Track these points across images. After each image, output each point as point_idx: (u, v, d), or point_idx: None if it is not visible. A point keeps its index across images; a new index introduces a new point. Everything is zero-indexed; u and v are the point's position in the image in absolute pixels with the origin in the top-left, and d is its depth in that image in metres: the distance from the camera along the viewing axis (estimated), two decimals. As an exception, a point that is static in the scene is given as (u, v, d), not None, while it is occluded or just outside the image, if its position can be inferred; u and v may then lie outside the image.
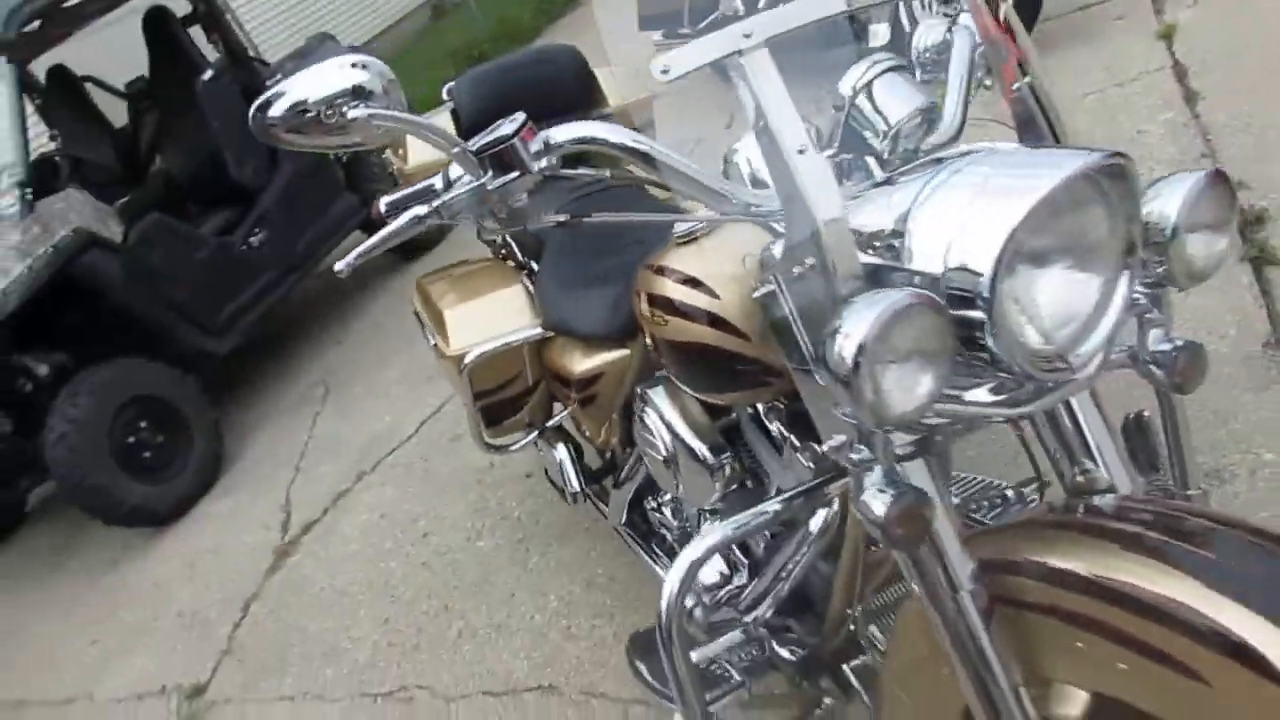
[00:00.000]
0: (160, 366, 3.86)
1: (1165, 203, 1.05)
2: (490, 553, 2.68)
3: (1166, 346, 1.12)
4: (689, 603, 1.54)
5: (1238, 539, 0.95)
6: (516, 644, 2.32)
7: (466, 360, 2.03)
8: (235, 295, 4.25)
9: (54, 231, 3.62)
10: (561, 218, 1.16)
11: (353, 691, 2.46)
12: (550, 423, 2.21)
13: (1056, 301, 1.00)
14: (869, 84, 1.13)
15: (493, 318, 2.11)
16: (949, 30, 1.26)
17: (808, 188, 0.99)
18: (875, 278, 1.00)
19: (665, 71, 1.02)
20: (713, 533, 1.18)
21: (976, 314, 0.93)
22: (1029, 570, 1.03)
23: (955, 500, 1.44)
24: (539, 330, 2.02)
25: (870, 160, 1.15)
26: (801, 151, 1.00)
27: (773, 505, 1.20)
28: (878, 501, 0.97)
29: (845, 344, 0.88)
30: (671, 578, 1.18)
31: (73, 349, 3.79)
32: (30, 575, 3.92)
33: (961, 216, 0.96)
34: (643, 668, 1.69)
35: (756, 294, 1.13)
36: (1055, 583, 1.00)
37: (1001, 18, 1.16)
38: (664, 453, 1.54)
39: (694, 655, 1.40)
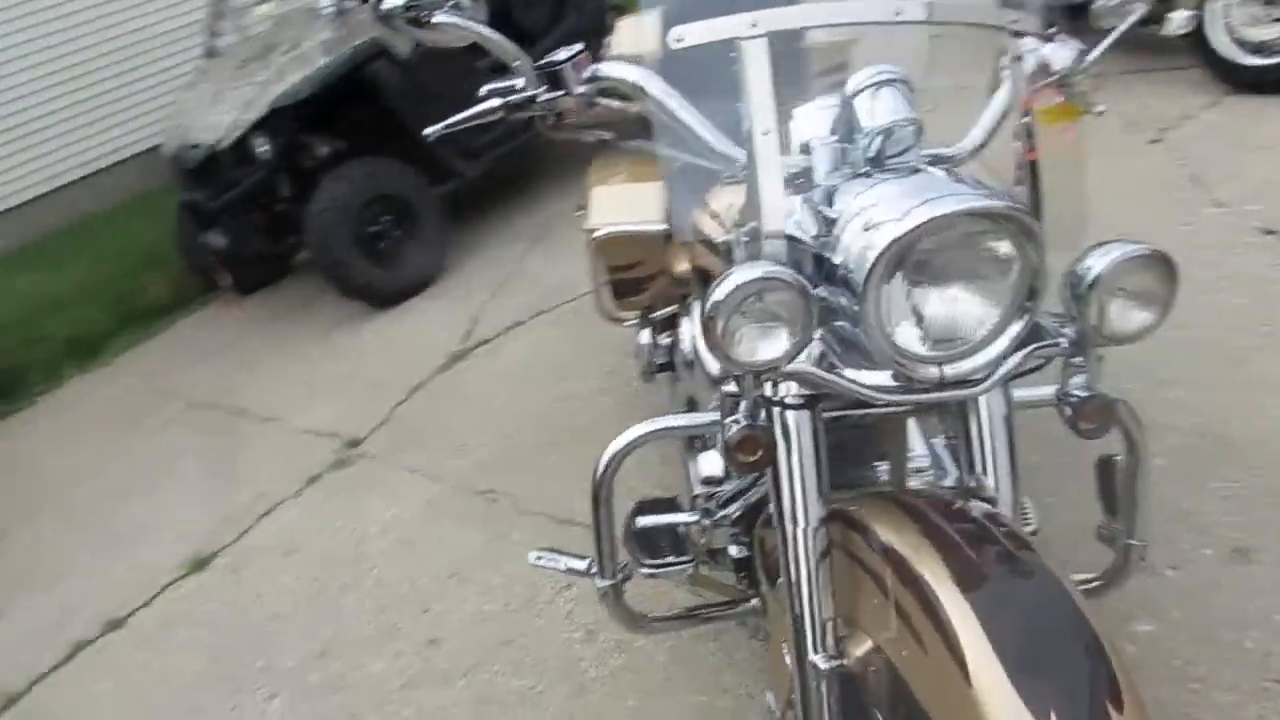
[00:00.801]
0: (413, 173, 4.42)
1: (1095, 262, 1.16)
2: (607, 408, 3.02)
3: (1081, 394, 1.23)
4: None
5: (1016, 570, 1.10)
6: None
7: (595, 235, 2.31)
8: (492, 127, 4.70)
9: (355, 37, 4.19)
10: (606, 135, 1.41)
11: (458, 482, 2.92)
12: (662, 312, 2.46)
13: (945, 317, 1.15)
14: (863, 90, 1.26)
15: (630, 204, 2.37)
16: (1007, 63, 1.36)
17: (759, 163, 1.18)
18: (791, 252, 1.19)
19: (679, 40, 1.22)
20: (643, 427, 1.44)
21: (854, 305, 1.11)
22: (862, 530, 1.22)
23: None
24: (663, 226, 2.25)
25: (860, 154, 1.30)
26: (765, 134, 1.19)
27: (703, 418, 1.43)
28: (730, 428, 1.19)
29: (711, 296, 1.09)
30: (603, 458, 1.46)
31: (348, 140, 4.41)
32: (275, 319, 4.70)
33: (869, 217, 1.12)
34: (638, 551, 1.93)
35: (720, 238, 1.34)
36: (874, 547, 1.18)
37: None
38: (688, 359, 1.79)
39: (643, 521, 1.68)
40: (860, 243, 1.10)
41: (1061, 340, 1.21)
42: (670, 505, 1.74)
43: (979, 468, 1.30)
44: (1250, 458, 2.19)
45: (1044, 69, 1.45)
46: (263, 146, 4.31)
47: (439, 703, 2.18)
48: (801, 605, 1.28)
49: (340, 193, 4.18)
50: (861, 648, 1.25)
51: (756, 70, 1.20)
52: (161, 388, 4.28)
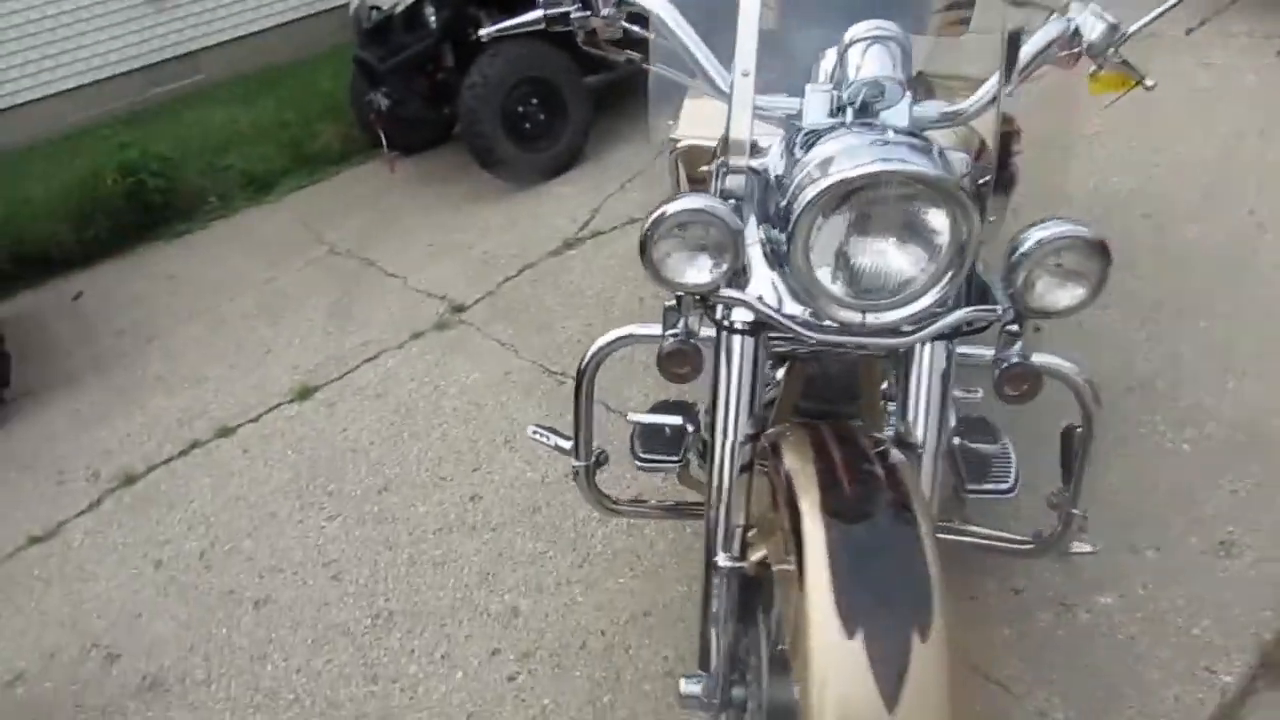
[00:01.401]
0: (565, 59, 4.54)
1: (1030, 236, 1.20)
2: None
3: (1010, 360, 1.29)
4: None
5: (879, 508, 1.19)
6: (650, 382, 2.81)
7: (678, 145, 2.41)
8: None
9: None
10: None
11: (536, 359, 3.14)
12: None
13: (872, 268, 1.23)
14: (856, 42, 1.31)
15: (715, 120, 2.44)
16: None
17: (734, 102, 1.27)
18: (748, 185, 1.28)
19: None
20: (615, 333, 1.59)
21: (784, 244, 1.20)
22: (775, 453, 1.33)
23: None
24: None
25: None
26: (744, 74, 1.28)
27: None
28: (665, 341, 1.31)
29: (646, 221, 1.21)
30: (585, 356, 1.61)
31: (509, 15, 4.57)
32: (423, 183, 4.98)
33: (814, 168, 1.20)
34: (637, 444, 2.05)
35: (707, 166, 1.43)
36: (778, 469, 1.29)
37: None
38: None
39: (641, 417, 1.82)
40: (797, 189, 1.19)
41: (999, 308, 1.26)
42: (682, 409, 1.86)
43: (910, 415, 1.38)
44: (1277, 458, 2.13)
45: (1074, 38, 1.44)
46: (431, 15, 4.54)
47: (464, 550, 2.42)
48: (717, 510, 1.41)
49: (493, 70, 4.35)
50: (758, 555, 1.37)
51: (747, 12, 1.28)
52: (313, 230, 4.66)
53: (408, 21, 4.66)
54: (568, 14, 1.50)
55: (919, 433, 1.37)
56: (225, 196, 5.30)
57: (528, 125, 4.50)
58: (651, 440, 1.90)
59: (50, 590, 2.63)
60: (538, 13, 1.56)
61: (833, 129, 1.27)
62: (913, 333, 1.27)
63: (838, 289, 1.23)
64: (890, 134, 1.22)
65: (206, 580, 2.54)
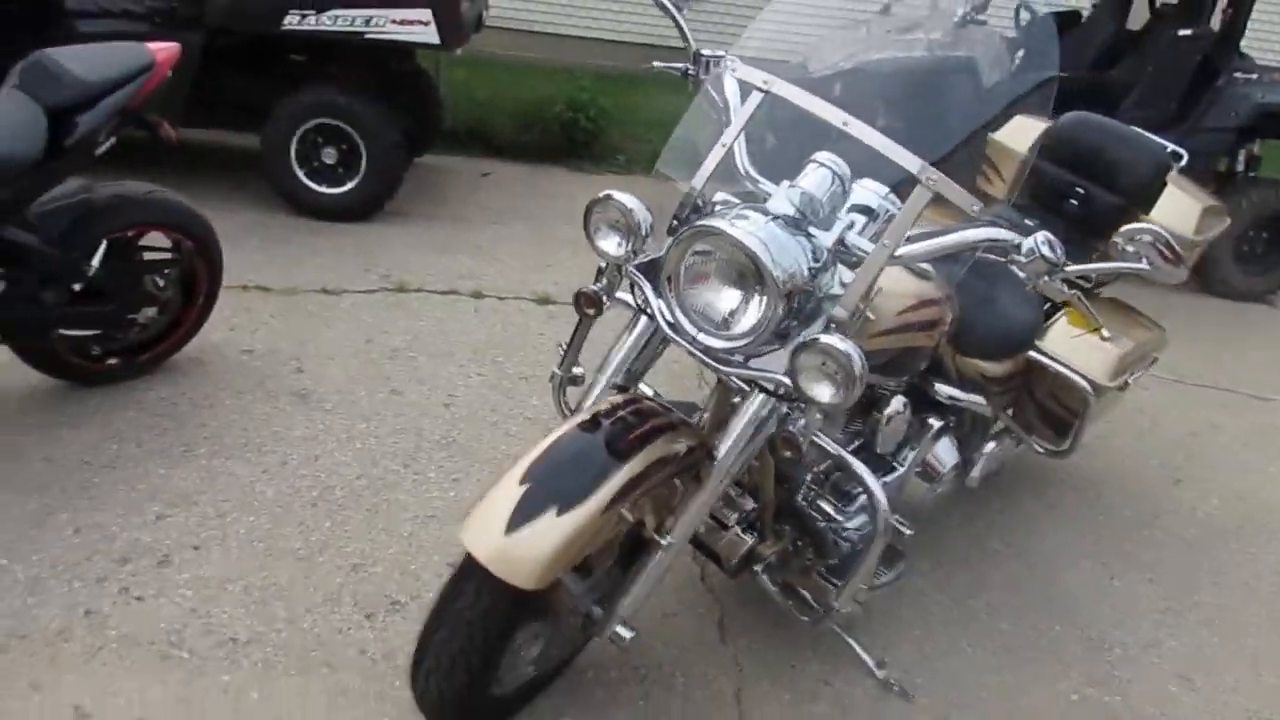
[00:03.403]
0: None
1: (810, 333, 1.64)
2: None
3: (789, 428, 1.73)
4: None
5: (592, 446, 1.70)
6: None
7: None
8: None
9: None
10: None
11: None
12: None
13: (705, 301, 1.72)
14: (812, 161, 1.78)
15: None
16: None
17: (707, 158, 1.82)
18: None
19: (733, 68, 1.87)
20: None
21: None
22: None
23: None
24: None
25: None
26: (723, 145, 1.82)
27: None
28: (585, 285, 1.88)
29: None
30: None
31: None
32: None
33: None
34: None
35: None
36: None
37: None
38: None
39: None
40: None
41: (785, 379, 1.69)
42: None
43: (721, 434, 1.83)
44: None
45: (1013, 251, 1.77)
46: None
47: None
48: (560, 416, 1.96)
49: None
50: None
51: (744, 108, 1.81)
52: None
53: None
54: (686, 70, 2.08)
55: (720, 449, 1.82)
56: (631, 160, 6.34)
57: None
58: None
59: (314, 325, 3.68)
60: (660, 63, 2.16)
61: (742, 202, 1.77)
62: (722, 363, 1.74)
63: (675, 304, 1.74)
64: (763, 217, 1.70)
65: (394, 363, 3.45)
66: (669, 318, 1.79)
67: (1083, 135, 2.91)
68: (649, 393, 2.28)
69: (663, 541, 1.85)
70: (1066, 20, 5.99)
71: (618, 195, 1.79)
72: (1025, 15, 5.69)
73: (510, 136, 6.18)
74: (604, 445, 1.72)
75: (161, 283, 3.06)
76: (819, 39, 5.78)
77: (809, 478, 2.21)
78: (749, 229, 1.65)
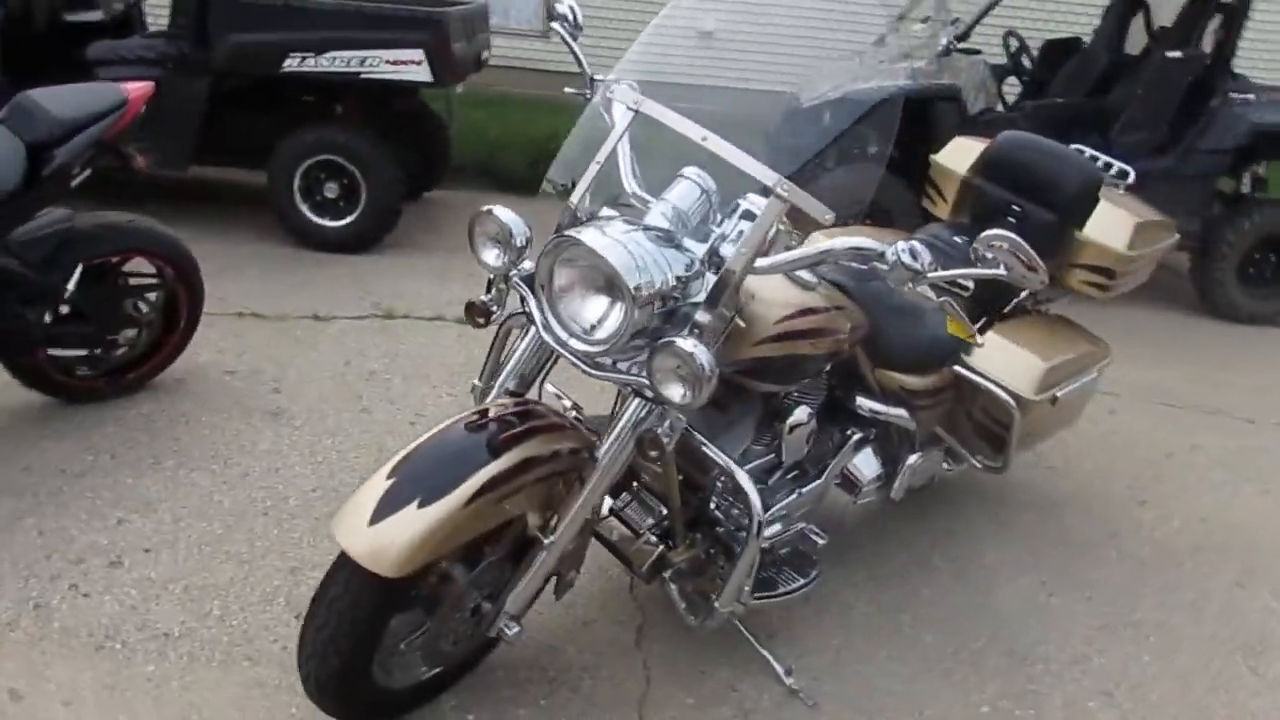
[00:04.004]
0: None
1: (664, 335, 1.73)
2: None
3: (657, 430, 1.82)
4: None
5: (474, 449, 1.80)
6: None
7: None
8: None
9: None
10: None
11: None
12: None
13: (575, 306, 1.82)
14: (681, 176, 1.87)
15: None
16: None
17: (585, 173, 1.92)
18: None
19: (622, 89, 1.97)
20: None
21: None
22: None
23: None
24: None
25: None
26: (598, 162, 1.92)
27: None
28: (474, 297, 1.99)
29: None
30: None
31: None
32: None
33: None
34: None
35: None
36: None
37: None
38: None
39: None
40: (559, 233, 1.83)
41: (645, 383, 1.78)
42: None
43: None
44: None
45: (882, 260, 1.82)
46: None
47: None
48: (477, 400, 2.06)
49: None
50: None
51: (617, 127, 1.91)
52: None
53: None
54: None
55: (601, 448, 1.90)
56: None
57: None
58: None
59: (299, 348, 3.85)
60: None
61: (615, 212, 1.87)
62: (599, 367, 1.83)
63: (548, 311, 1.84)
64: (625, 227, 1.79)
65: (368, 384, 3.59)
66: (544, 324, 1.89)
67: (1017, 154, 2.95)
68: (566, 403, 2.39)
69: (545, 540, 1.93)
70: (1068, 47, 6.02)
71: (497, 210, 1.91)
72: (1014, 43, 5.73)
73: (519, 172, 6.35)
74: (478, 444, 1.82)
75: (144, 307, 3.26)
76: (812, 69, 5.91)
77: (719, 486, 2.27)
78: (606, 239, 1.75)
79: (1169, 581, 2.94)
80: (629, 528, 2.28)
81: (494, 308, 2.04)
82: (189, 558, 2.55)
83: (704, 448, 2.05)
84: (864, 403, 2.50)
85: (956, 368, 2.65)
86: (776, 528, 2.35)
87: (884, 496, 2.63)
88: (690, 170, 1.89)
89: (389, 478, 1.75)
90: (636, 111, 1.93)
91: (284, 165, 4.92)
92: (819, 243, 1.84)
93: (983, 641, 2.57)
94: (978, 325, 2.74)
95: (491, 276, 2.02)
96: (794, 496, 2.37)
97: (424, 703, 2.12)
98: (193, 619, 2.34)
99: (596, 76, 2.16)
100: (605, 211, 2.01)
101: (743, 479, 2.01)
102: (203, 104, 4.80)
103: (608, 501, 2.31)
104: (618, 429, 1.90)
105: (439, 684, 2.13)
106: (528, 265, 1.95)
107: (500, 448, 1.82)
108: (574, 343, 1.85)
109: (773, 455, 2.35)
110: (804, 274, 2.08)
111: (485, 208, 1.92)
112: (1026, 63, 5.93)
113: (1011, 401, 2.61)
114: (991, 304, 2.77)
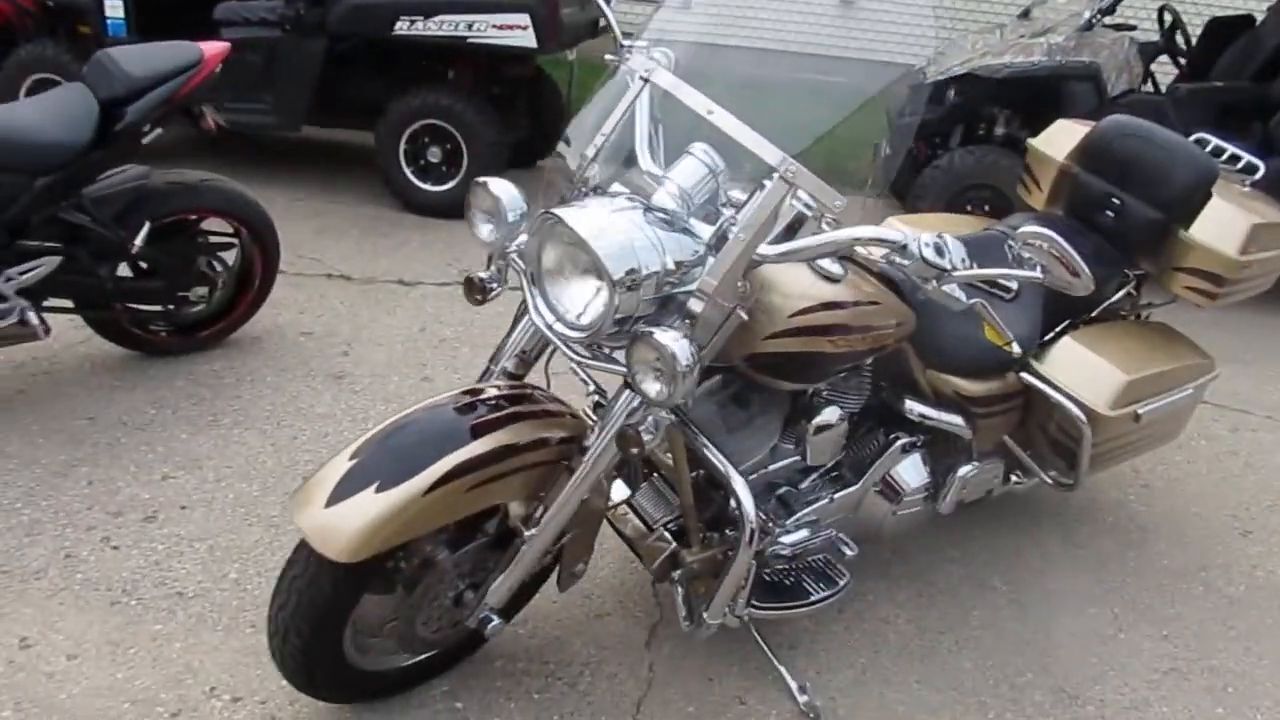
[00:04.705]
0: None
1: (642, 324, 1.60)
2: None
3: (632, 422, 1.70)
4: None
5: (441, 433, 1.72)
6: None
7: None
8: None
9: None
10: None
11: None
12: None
13: (569, 299, 1.71)
14: (687, 154, 1.72)
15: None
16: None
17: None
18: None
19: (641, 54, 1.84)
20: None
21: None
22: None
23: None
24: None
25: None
26: (603, 134, 1.80)
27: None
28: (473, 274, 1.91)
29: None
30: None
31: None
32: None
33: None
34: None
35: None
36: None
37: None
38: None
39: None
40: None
41: (625, 371, 1.66)
42: None
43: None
44: None
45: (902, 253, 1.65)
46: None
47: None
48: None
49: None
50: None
51: (626, 96, 1.79)
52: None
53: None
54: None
55: (591, 437, 1.80)
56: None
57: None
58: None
59: (377, 312, 3.88)
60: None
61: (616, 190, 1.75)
62: (569, 345, 1.72)
63: (536, 291, 1.73)
64: (611, 204, 1.67)
65: (436, 351, 3.58)
66: (534, 305, 1.78)
67: (1121, 142, 2.64)
68: (590, 386, 2.28)
69: (526, 533, 1.84)
70: (1237, 25, 5.47)
71: (491, 182, 1.81)
72: (1168, 18, 5.23)
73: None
74: (453, 427, 1.74)
75: (217, 266, 3.32)
76: (948, 42, 5.57)
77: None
78: (592, 220, 1.63)
79: (1259, 627, 2.61)
80: (642, 520, 2.17)
81: (493, 285, 1.95)
82: (221, 517, 2.59)
83: (700, 444, 1.90)
84: (913, 406, 2.30)
85: (1025, 375, 2.41)
86: (803, 534, 2.20)
87: (930, 509, 2.42)
88: (697, 147, 1.74)
89: (352, 458, 1.69)
90: (647, 80, 1.79)
91: (391, 128, 4.98)
92: (840, 230, 1.67)
93: (1030, 675, 2.33)
94: (1050, 334, 2.49)
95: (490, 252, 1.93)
96: (824, 501, 2.21)
97: (409, 688, 2.07)
98: (210, 580, 2.36)
99: (625, 42, 2.03)
100: (615, 187, 1.89)
101: (737, 482, 1.86)
102: (318, 65, 4.89)
103: (622, 491, 2.21)
104: (609, 420, 1.78)
105: (425, 671, 2.08)
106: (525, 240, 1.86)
107: (478, 431, 1.74)
108: (560, 326, 1.74)
109: (799, 457, 2.19)
110: (829, 264, 1.90)
111: (480, 180, 1.83)
112: (1182, 41, 5.41)
113: (1082, 416, 2.34)
114: (1071, 307, 2.50)
